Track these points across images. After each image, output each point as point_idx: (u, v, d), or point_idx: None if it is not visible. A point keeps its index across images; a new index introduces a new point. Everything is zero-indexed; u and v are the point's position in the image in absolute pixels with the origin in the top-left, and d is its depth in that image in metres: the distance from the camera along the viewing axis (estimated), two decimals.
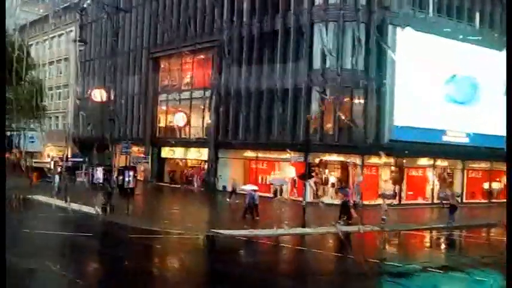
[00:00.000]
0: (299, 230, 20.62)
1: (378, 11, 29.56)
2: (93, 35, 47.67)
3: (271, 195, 30.59)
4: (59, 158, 39.51)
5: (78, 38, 30.09)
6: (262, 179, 33.20)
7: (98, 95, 42.89)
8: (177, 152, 39.08)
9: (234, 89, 33.98)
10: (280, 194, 30.71)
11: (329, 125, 30.17)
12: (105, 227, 20.60)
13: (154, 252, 16.64)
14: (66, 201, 25.75)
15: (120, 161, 44.97)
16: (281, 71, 31.34)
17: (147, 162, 31.81)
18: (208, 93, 36.37)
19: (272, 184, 31.85)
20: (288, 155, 31.66)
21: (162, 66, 41.10)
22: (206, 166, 38.88)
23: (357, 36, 29.25)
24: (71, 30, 51.54)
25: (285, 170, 32.64)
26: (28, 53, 38.76)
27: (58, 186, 30.44)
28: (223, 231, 19.17)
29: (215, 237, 18.56)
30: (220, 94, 34.94)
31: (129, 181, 29.80)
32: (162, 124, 41.12)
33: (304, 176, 22.47)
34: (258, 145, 32.64)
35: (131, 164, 28.13)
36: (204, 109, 36.92)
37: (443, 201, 29.79)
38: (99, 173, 34.44)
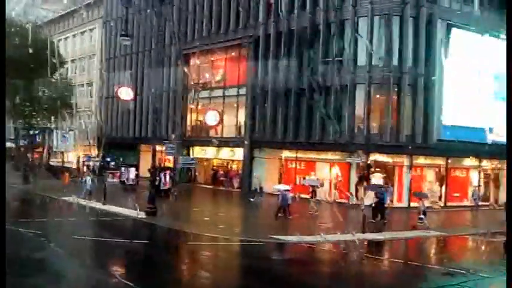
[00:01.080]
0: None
1: (426, 5, 28.29)
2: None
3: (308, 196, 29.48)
4: (88, 157, 38.53)
5: (122, 33, 28.89)
6: (300, 180, 32.09)
7: (125, 93, 42.04)
8: (209, 152, 37.93)
9: (271, 86, 32.80)
10: (315, 196, 29.60)
11: (375, 124, 28.92)
12: (158, 232, 19.52)
13: (226, 262, 15.36)
14: (105, 203, 24.80)
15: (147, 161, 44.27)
16: (323, 68, 30.15)
17: (195, 163, 30.63)
18: (242, 91, 35.20)
19: (311, 185, 30.79)
20: (329, 155, 30.59)
21: (192, 63, 39.92)
22: (235, 166, 37.91)
23: (405, 32, 27.99)
24: (94, 28, 50.70)
25: (324, 170, 31.56)
26: (53, 50, 37.71)
27: (90, 187, 29.44)
28: (294, 238, 17.95)
29: (283, 244, 17.39)
30: (257, 92, 33.77)
31: (165, 182, 29.03)
32: (192, 123, 39.98)
33: (364, 178, 21.24)
34: (298, 144, 31.44)
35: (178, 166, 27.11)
36: (238, 107, 35.76)
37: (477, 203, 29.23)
38: (131, 174, 33.58)
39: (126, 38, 25.47)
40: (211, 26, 37.65)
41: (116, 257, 14.77)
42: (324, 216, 26.11)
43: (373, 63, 28.37)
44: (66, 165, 40.52)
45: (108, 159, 38.95)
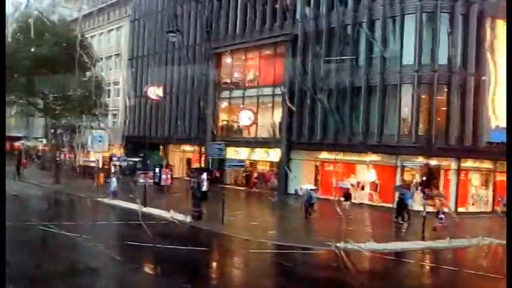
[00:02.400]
0: None
1: (478, 1, 27.11)
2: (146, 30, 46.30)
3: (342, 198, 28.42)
4: (117, 158, 37.83)
5: (169, 29, 28.13)
6: (337, 182, 31.05)
7: (153, 92, 41.43)
8: (242, 153, 36.98)
9: (310, 86, 31.74)
10: (349, 199, 28.54)
11: (422, 126, 27.77)
12: (211, 238, 18.52)
13: (308, 274, 14.21)
14: (145, 205, 23.96)
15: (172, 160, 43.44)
16: (366, 67, 29.11)
17: (243, 166, 29.73)
18: (277, 91, 34.17)
19: (345, 188, 29.81)
20: (371, 157, 29.45)
21: (224, 61, 39.00)
22: (266, 167, 36.90)
23: (455, 30, 26.84)
24: (121, 26, 50.12)
25: (365, 173, 30.50)
26: (85, 48, 37.08)
27: (114, 189, 28.61)
28: (352, 245, 16.72)
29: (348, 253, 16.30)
30: (294, 91, 32.77)
31: (203, 184, 28.10)
32: (224, 123, 39.09)
33: (425, 184, 20.18)
34: (338, 146, 30.38)
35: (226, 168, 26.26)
36: (273, 107, 34.79)
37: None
38: (165, 175, 32.76)
39: (173, 34, 24.65)
40: (245, 25, 36.70)
41: (182, 267, 13.69)
42: (369, 220, 25.35)
43: (422, 62, 27.16)
44: (92, 164, 39.79)
45: (138, 159, 38.21)
